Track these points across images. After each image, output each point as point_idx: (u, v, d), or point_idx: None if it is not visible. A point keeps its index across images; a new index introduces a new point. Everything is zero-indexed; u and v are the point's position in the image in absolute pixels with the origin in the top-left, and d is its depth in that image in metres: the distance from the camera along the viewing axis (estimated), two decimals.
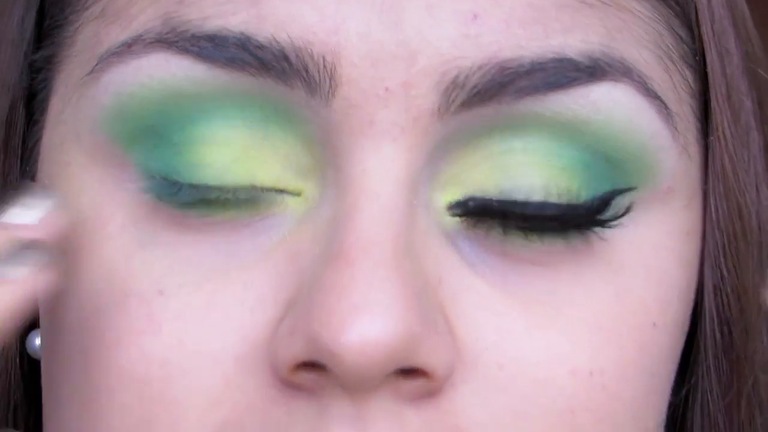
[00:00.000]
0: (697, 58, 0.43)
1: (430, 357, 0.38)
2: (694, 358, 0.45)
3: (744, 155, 0.44)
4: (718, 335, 0.44)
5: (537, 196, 0.40)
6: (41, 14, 0.45)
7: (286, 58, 0.38)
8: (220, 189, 0.39)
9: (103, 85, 0.40)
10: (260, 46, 0.38)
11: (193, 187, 0.39)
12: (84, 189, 0.41)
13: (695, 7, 0.43)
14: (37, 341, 0.45)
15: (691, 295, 0.44)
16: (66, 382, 0.41)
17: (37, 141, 0.44)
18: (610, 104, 0.40)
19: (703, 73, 0.44)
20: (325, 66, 0.38)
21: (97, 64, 0.41)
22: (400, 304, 0.37)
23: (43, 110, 0.44)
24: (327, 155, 0.39)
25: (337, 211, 0.39)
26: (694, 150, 0.43)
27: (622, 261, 0.41)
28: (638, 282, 0.41)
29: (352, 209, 0.38)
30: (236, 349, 0.39)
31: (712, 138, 0.43)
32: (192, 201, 0.40)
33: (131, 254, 0.40)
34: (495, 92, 0.39)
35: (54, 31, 0.44)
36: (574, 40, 0.39)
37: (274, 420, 0.38)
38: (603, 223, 0.40)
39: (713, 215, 0.43)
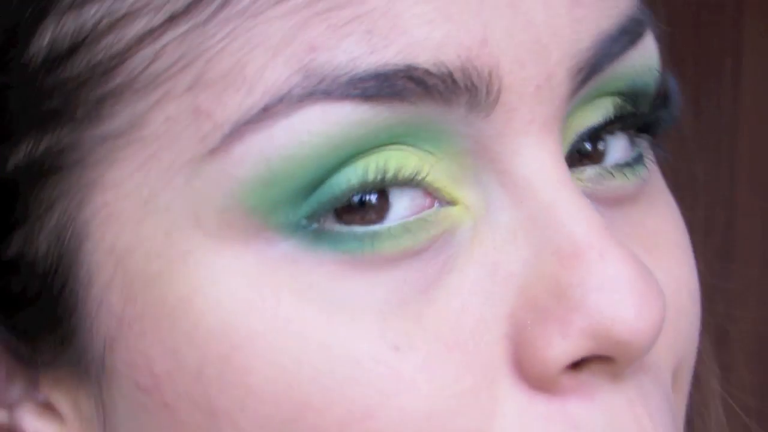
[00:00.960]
0: None
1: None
2: None
3: None
4: None
5: (626, 101, 0.42)
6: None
7: (452, 78, 0.38)
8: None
9: (239, 157, 0.38)
10: (428, 72, 0.38)
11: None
12: (225, 272, 0.38)
13: None
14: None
15: None
16: None
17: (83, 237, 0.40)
18: (651, 45, 0.43)
19: None
20: (489, 78, 0.38)
21: (224, 138, 0.38)
22: (651, 276, 0.39)
23: (89, 202, 0.40)
24: (480, 164, 0.39)
25: (527, 212, 0.39)
26: None
27: (664, 184, 0.45)
28: (675, 202, 0.45)
29: (553, 204, 0.39)
30: (480, 378, 0.38)
31: None
32: (349, 232, 0.38)
33: (329, 320, 0.38)
34: (600, 63, 0.40)
35: (80, 121, 0.39)
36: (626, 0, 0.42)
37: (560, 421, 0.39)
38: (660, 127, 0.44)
39: None
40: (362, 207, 0.38)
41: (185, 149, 0.38)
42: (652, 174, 0.44)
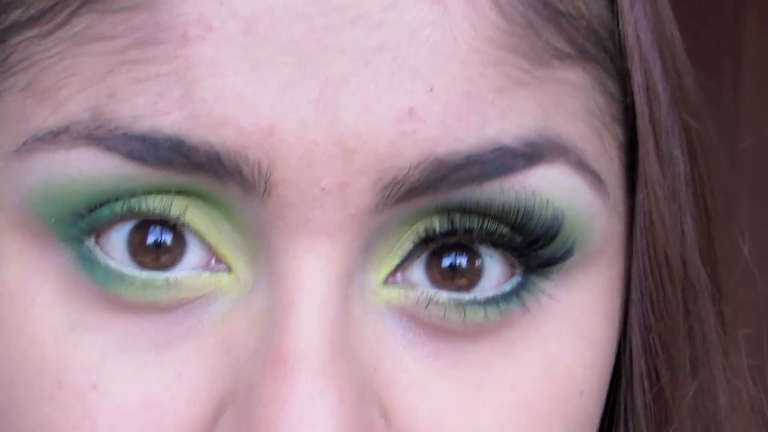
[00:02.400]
0: (627, 110, 0.43)
1: None
2: (622, 406, 0.45)
3: (671, 201, 0.43)
4: (646, 384, 0.44)
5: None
6: None
7: (219, 161, 0.37)
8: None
9: (30, 167, 0.39)
10: (193, 149, 0.37)
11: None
12: (10, 258, 0.41)
13: (625, 56, 0.42)
14: None
15: (614, 349, 0.43)
16: None
17: None
18: (545, 187, 0.39)
19: (632, 121, 0.43)
20: (260, 170, 0.37)
21: (23, 145, 0.40)
22: (339, 415, 0.37)
23: None
24: (259, 243, 0.39)
25: (272, 305, 0.38)
26: (622, 207, 0.43)
27: (553, 329, 0.41)
28: (567, 350, 0.41)
29: (287, 308, 0.38)
30: None
31: (641, 195, 0.43)
32: (109, 270, 0.39)
33: (62, 338, 0.39)
34: (431, 185, 0.38)
35: None
36: (510, 126, 0.39)
37: None
38: (545, 266, 0.40)
39: (640, 267, 0.43)
40: (157, 249, 0.39)
41: (8, 141, 0.40)
42: (540, 309, 0.40)
